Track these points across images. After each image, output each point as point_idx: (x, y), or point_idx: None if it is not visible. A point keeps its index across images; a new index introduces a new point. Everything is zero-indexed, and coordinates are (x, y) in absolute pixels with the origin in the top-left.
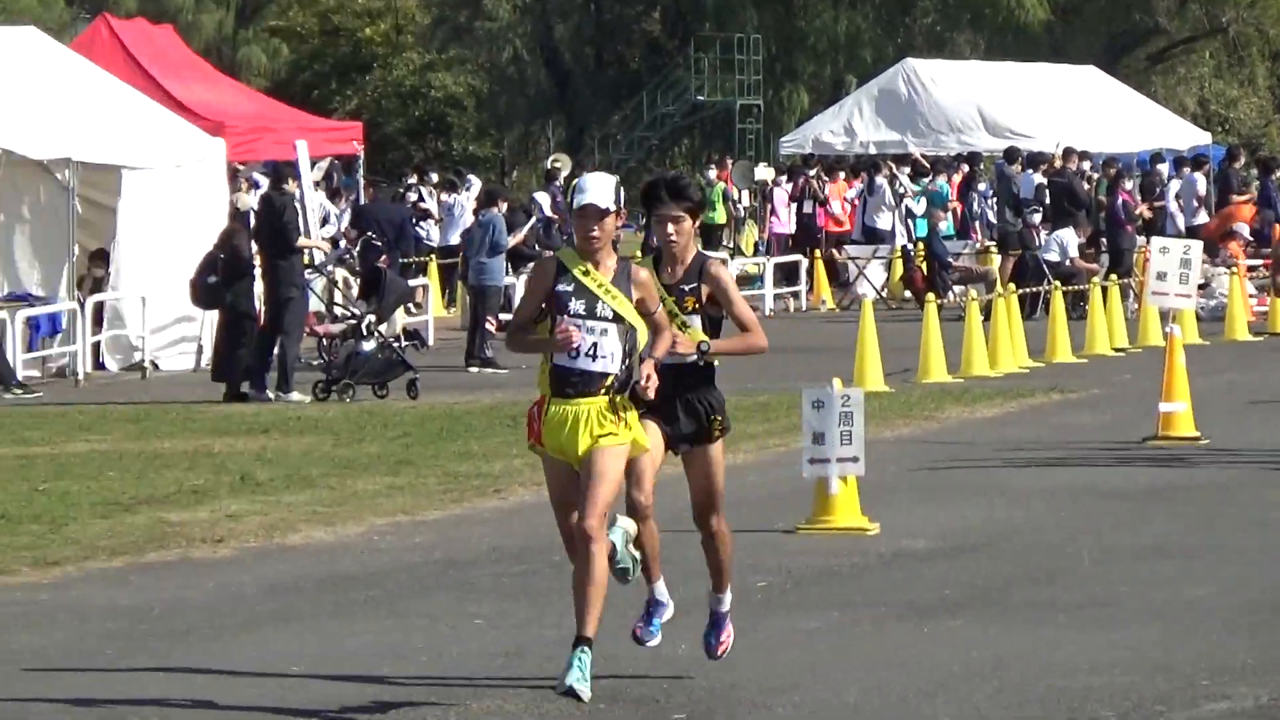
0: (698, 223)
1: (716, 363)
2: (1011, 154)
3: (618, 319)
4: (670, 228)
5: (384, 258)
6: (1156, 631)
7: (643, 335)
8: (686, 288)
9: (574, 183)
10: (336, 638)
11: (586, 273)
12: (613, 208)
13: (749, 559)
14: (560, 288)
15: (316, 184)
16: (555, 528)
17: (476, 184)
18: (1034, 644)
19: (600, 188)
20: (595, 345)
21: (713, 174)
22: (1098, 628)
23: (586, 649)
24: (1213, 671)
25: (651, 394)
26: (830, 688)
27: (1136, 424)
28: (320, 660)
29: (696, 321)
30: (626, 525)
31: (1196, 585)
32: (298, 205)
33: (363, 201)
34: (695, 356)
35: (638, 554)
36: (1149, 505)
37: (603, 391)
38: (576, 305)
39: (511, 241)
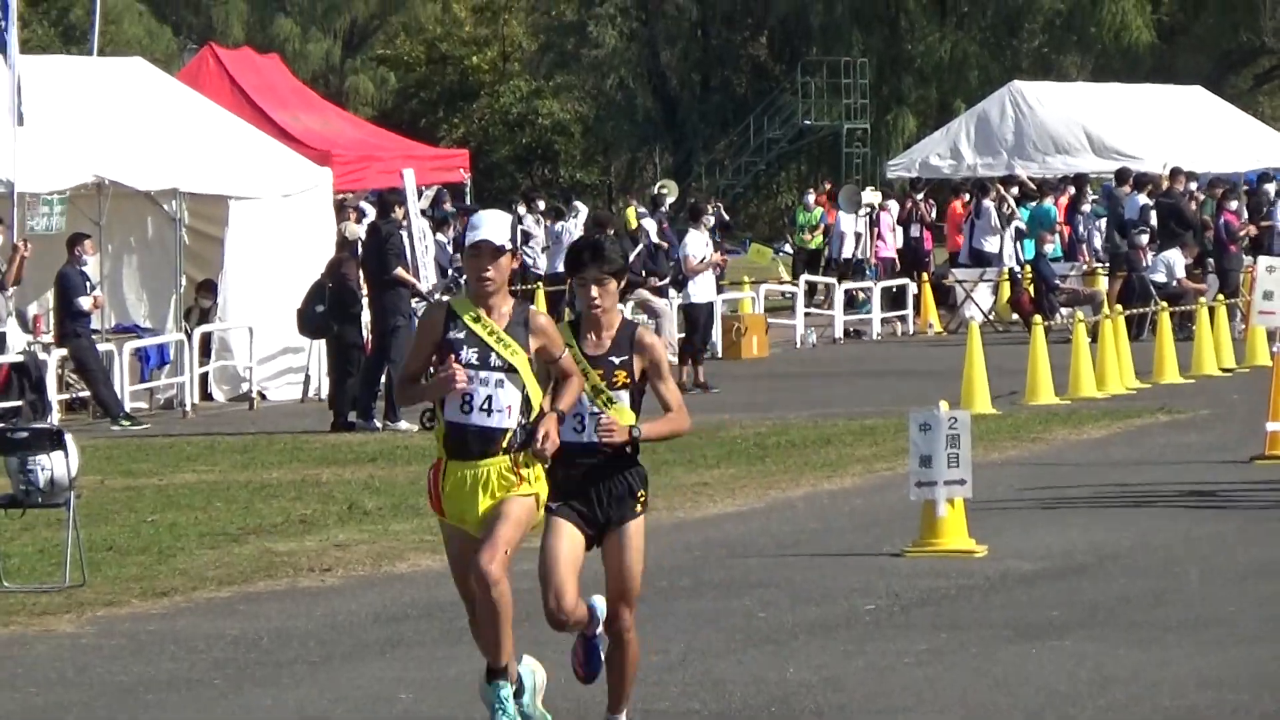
0: (621, 286)
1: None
2: (1122, 175)
3: (511, 370)
4: (594, 290)
5: None
6: (1264, 650)
7: (536, 393)
8: (616, 360)
9: (469, 220)
10: (443, 664)
11: (478, 319)
12: (508, 246)
13: (857, 582)
14: (451, 335)
15: (423, 212)
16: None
17: (583, 211)
18: (1141, 663)
19: (495, 224)
20: (490, 398)
21: (811, 199)
22: (1205, 647)
23: (503, 681)
24: None
25: (549, 452)
26: (937, 709)
27: (1244, 443)
28: (428, 687)
29: (625, 398)
30: (537, 673)
31: None
32: (403, 234)
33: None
34: (628, 442)
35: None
36: (1256, 525)
37: (503, 450)
38: (469, 355)
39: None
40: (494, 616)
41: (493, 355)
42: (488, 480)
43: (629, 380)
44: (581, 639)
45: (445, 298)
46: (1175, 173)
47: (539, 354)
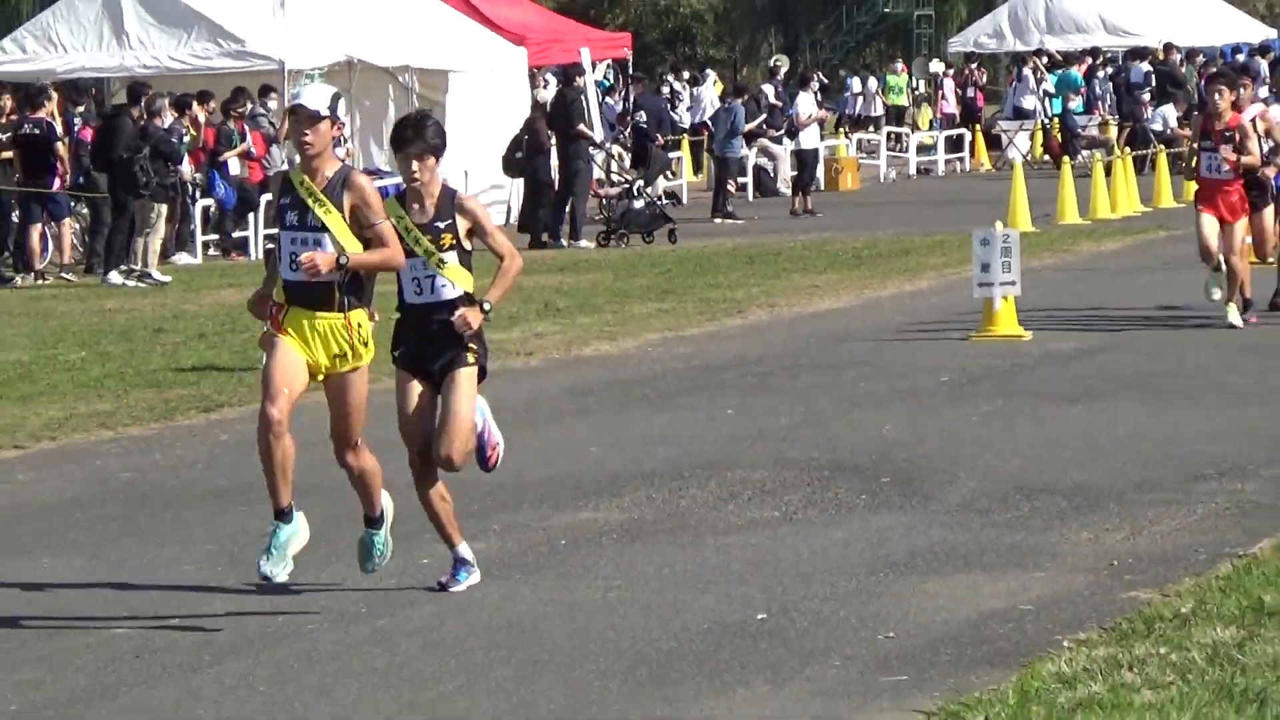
0: (439, 162)
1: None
2: (1134, 53)
3: (326, 228)
4: (414, 164)
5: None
6: (1255, 411)
7: (353, 246)
8: (441, 224)
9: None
10: (622, 425)
11: (302, 182)
12: (325, 113)
13: (934, 360)
14: (282, 200)
15: (596, 83)
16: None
17: (713, 78)
18: (1161, 421)
19: (315, 93)
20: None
21: (899, 66)
22: (1210, 408)
23: (375, 529)
24: None
25: (307, 265)
26: (999, 457)
27: None
28: (610, 443)
29: (453, 257)
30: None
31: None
32: (583, 98)
33: (632, 96)
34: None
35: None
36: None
37: (334, 306)
38: (291, 216)
39: (747, 127)
40: (366, 482)
41: (309, 215)
42: (325, 334)
43: (454, 241)
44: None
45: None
46: (1169, 47)
47: (353, 213)
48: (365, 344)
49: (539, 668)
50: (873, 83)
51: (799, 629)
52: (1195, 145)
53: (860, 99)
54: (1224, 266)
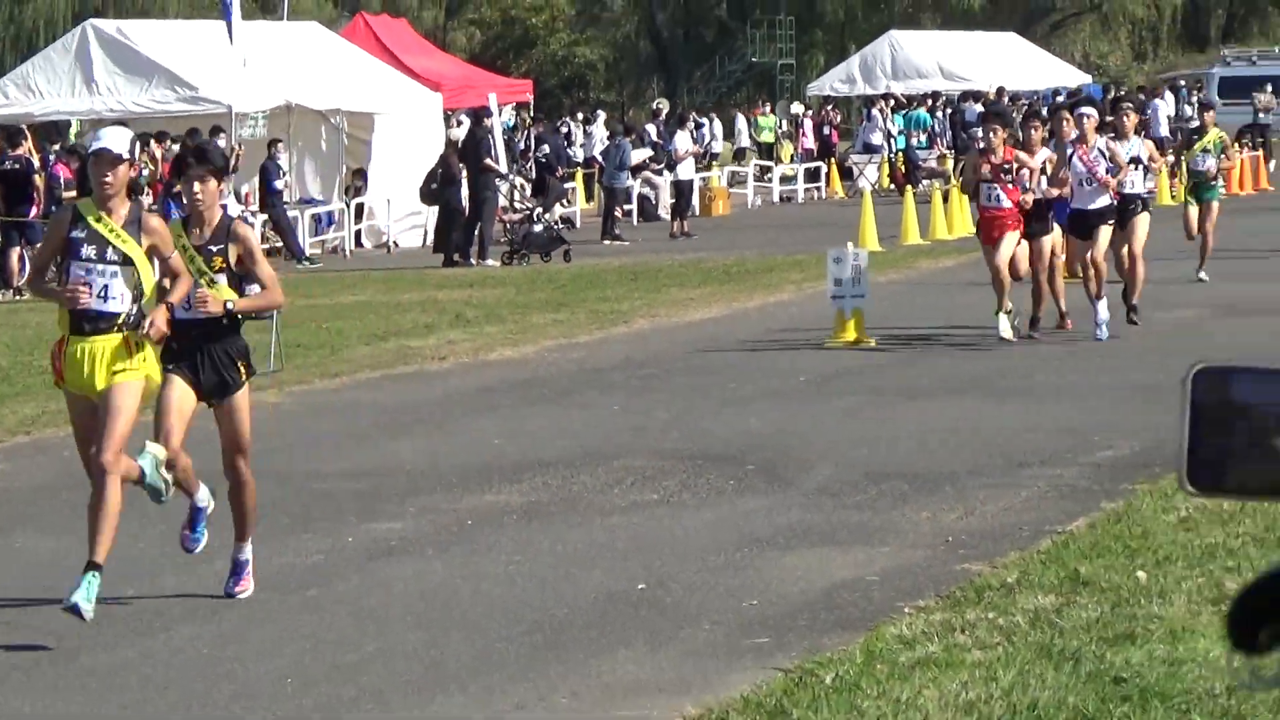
0: (221, 186)
1: (240, 316)
2: (969, 95)
3: (127, 262)
4: (196, 187)
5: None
6: (1069, 407)
7: (148, 280)
8: (214, 248)
9: (95, 133)
10: (522, 420)
11: (99, 219)
12: (125, 156)
13: (794, 362)
14: (73, 234)
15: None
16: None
17: (603, 118)
18: (990, 416)
19: (115, 137)
20: (106, 287)
21: (767, 108)
22: (1032, 405)
23: (96, 574)
24: (1104, 432)
25: (155, 337)
26: (850, 447)
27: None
28: (512, 435)
29: (223, 279)
30: (155, 450)
31: (1097, 374)
32: (490, 137)
33: (533, 134)
34: (222, 314)
35: (169, 476)
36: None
37: (116, 329)
38: (88, 250)
39: (634, 162)
40: (102, 505)
41: (109, 250)
42: (104, 355)
43: (225, 264)
44: (191, 523)
45: (74, 202)
46: (1000, 90)
47: (150, 250)
48: (144, 358)
49: (448, 632)
50: (741, 121)
51: (674, 598)
52: (976, 178)
53: (728, 136)
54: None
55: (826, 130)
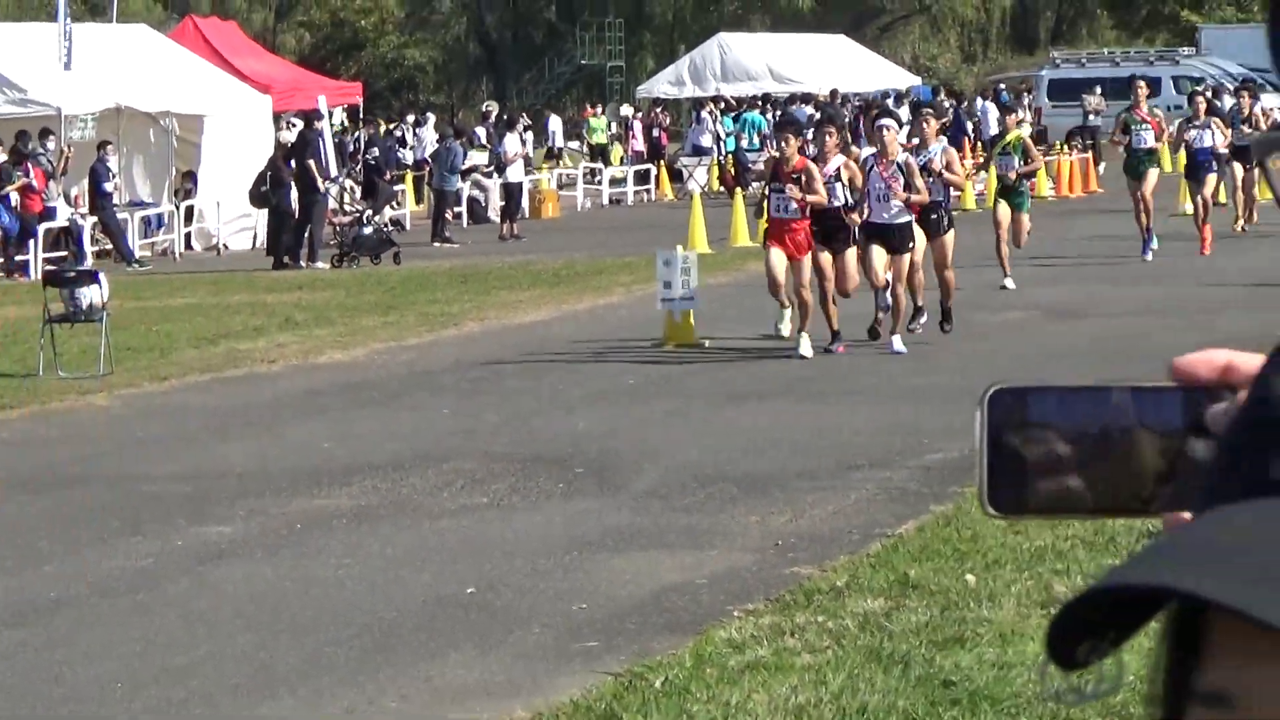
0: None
1: None
2: (793, 98)
3: None
4: None
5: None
6: (897, 409)
7: None
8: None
9: None
10: (352, 423)
11: None
12: None
13: (623, 365)
14: None
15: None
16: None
17: (433, 120)
18: (818, 418)
19: None
20: None
21: (599, 109)
22: (860, 407)
23: None
24: (932, 434)
25: None
26: (679, 450)
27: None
28: (342, 439)
29: None
30: None
31: (925, 376)
32: (320, 139)
33: (363, 137)
34: None
35: None
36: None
37: None
38: None
39: (465, 165)
40: None
41: None
42: None
43: None
44: None
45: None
46: (834, 92)
47: None
48: None
49: (278, 635)
50: (555, 122)
51: (504, 601)
52: (765, 186)
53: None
54: (796, 300)
55: (655, 132)
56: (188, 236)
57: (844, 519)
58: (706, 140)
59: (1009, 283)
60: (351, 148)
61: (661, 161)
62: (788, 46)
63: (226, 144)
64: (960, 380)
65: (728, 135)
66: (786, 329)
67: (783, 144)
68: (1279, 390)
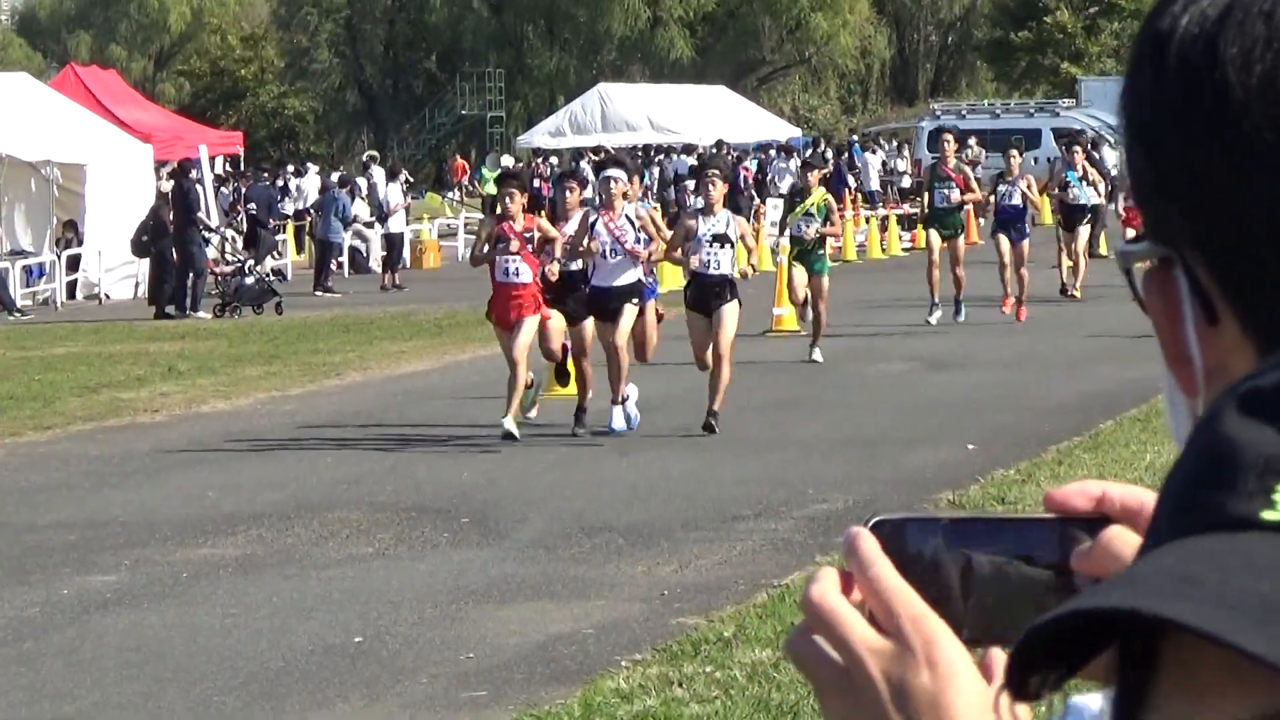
0: None
1: None
2: (672, 148)
3: None
4: None
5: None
6: (779, 458)
7: None
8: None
9: None
10: (236, 472)
11: None
12: None
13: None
14: None
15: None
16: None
17: (314, 170)
18: (699, 468)
19: None
20: None
21: (490, 160)
22: (741, 456)
23: None
24: (817, 485)
25: None
26: (563, 500)
27: (761, 321)
28: (226, 488)
29: None
30: None
31: (807, 426)
32: (199, 188)
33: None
34: None
35: None
36: (776, 373)
37: None
38: None
39: (355, 217)
40: None
41: None
42: None
43: None
44: None
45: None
46: (720, 143)
47: None
48: None
49: (165, 684)
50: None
51: (390, 650)
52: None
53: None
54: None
55: (536, 183)
56: (70, 285)
57: (730, 569)
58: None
59: (817, 355)
60: (232, 197)
61: (542, 211)
62: (668, 97)
63: (108, 193)
64: (845, 431)
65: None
66: (534, 413)
67: (506, 200)
68: (1231, 429)
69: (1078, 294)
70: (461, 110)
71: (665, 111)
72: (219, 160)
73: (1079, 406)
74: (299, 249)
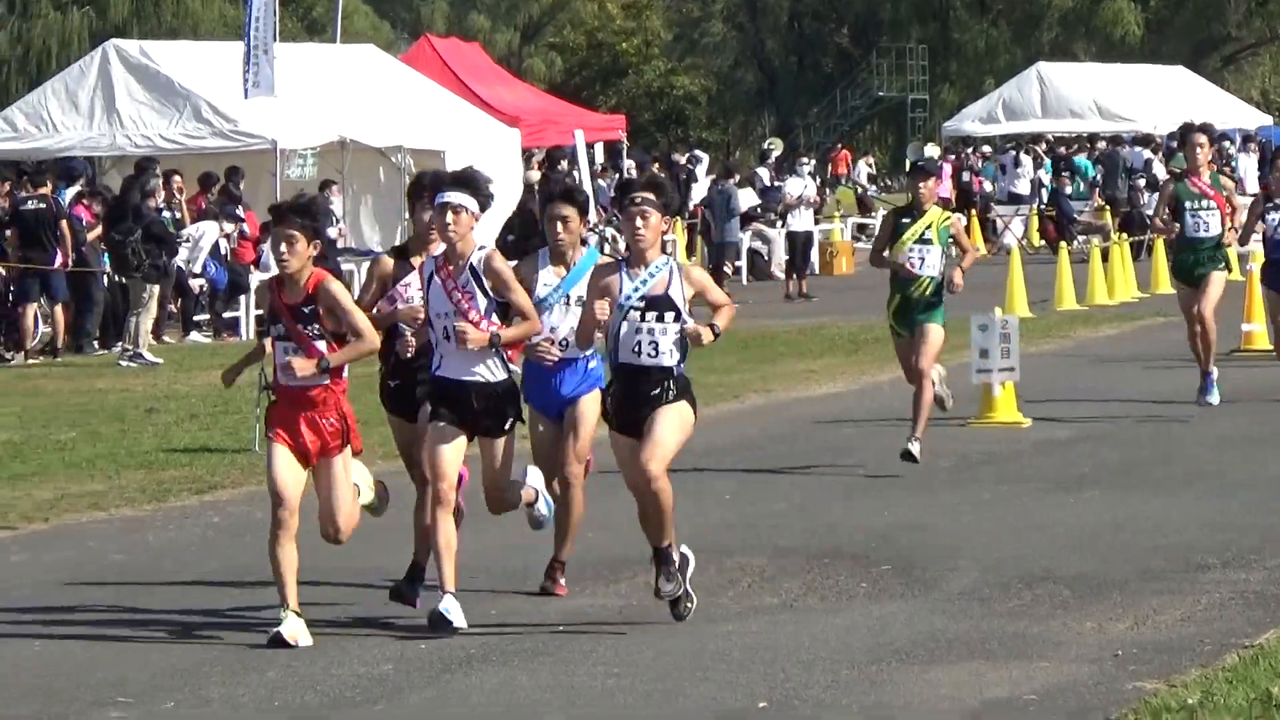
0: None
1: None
2: (1128, 139)
3: None
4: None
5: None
6: (1248, 500)
7: None
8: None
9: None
10: (612, 510)
11: None
12: None
13: (934, 446)
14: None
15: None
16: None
17: (706, 160)
18: (1154, 509)
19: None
20: None
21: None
22: (1204, 497)
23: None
24: None
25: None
26: (996, 543)
27: (1225, 341)
28: (603, 528)
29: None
30: None
31: (1265, 465)
32: (572, 181)
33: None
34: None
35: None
36: (1236, 403)
37: None
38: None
39: (743, 207)
40: None
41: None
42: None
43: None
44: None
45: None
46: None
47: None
48: None
49: None
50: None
51: (800, 716)
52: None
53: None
54: None
55: (967, 176)
56: None
57: (1194, 626)
58: (1023, 186)
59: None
60: (610, 192)
61: (973, 210)
62: (1118, 79)
63: None
64: None
65: (1049, 181)
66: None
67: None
68: None
69: None
70: (878, 91)
71: (1115, 95)
72: (598, 147)
73: None
74: (689, 251)
